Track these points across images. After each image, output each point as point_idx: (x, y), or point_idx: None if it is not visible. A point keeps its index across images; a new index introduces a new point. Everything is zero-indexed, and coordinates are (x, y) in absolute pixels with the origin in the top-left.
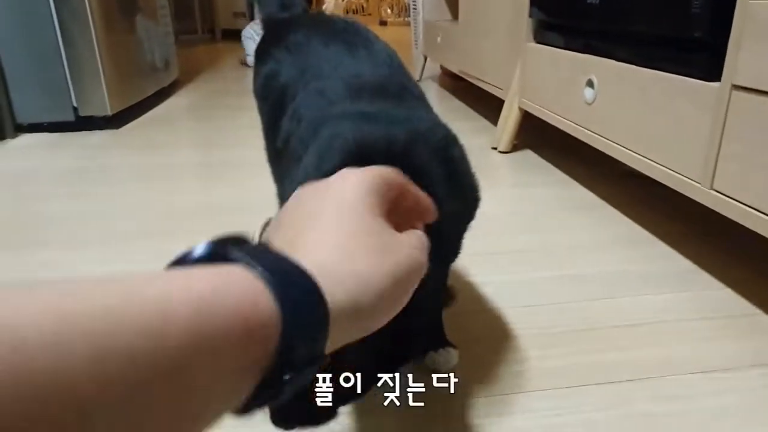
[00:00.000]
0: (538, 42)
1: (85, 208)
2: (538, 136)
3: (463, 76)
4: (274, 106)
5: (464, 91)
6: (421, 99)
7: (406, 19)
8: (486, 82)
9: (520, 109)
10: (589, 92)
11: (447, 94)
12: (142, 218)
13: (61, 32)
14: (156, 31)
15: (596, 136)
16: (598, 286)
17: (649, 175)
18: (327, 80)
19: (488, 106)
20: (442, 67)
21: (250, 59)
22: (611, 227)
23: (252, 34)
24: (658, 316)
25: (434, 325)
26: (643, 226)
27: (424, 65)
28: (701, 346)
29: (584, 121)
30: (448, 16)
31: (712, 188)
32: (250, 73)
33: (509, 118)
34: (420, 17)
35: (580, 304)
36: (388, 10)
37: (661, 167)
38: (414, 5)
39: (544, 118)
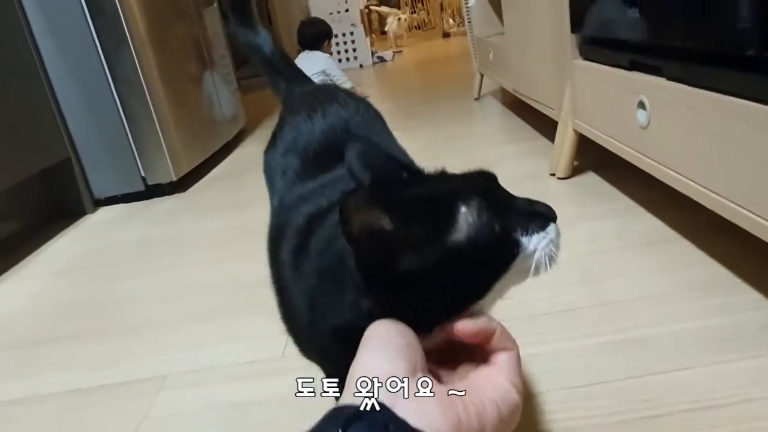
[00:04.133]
0: (586, 58)
1: (161, 286)
2: (600, 155)
3: (517, 95)
4: (272, 189)
5: (524, 107)
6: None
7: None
8: (537, 102)
9: (575, 131)
10: (642, 115)
11: (508, 111)
12: (217, 293)
13: (124, 111)
14: (219, 84)
15: (653, 162)
16: (668, 352)
17: (711, 208)
18: (286, 162)
19: (548, 122)
20: None
21: None
22: (683, 268)
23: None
24: (745, 393)
25: None
26: (723, 263)
27: (480, 83)
28: None
29: (640, 146)
30: (500, 28)
31: None
32: None
33: (564, 141)
34: (471, 30)
35: (644, 381)
36: (450, 21)
37: (724, 200)
38: (468, 18)
39: (598, 141)
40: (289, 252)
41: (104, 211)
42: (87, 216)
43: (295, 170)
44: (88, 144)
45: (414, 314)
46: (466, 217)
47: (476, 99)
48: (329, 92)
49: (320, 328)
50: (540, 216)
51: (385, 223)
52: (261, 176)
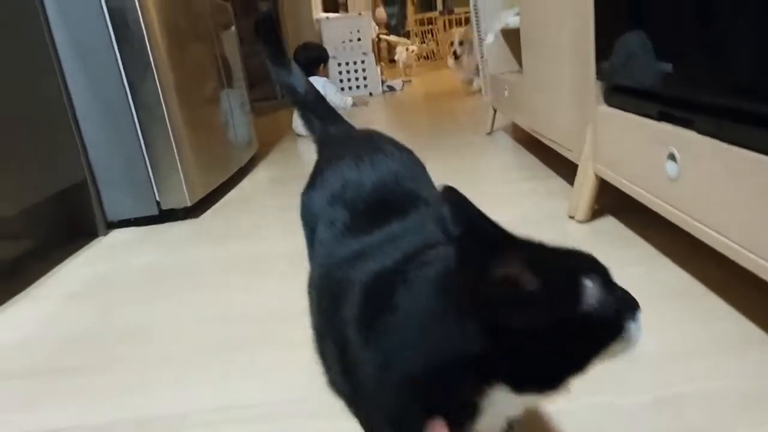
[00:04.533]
0: (610, 105)
1: (175, 315)
2: (621, 200)
3: (533, 134)
4: (311, 234)
5: (538, 144)
6: (427, 203)
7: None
8: (555, 143)
9: (596, 175)
10: (671, 167)
11: (520, 148)
12: (234, 325)
13: (143, 135)
14: (235, 107)
15: (681, 214)
16: (697, 413)
17: (742, 264)
18: (332, 212)
19: (564, 161)
20: None
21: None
22: (713, 322)
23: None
24: None
25: None
26: (754, 320)
27: (494, 118)
28: None
29: (668, 197)
30: (515, 66)
31: None
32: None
33: (584, 184)
34: (485, 67)
35: None
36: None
37: (756, 257)
38: (481, 53)
39: (622, 188)
40: (357, 310)
41: (117, 234)
42: (100, 238)
43: (345, 223)
44: (104, 166)
45: (518, 376)
46: (591, 292)
47: (488, 133)
48: (372, 138)
49: (401, 390)
50: (633, 303)
51: (530, 282)
52: (274, 202)
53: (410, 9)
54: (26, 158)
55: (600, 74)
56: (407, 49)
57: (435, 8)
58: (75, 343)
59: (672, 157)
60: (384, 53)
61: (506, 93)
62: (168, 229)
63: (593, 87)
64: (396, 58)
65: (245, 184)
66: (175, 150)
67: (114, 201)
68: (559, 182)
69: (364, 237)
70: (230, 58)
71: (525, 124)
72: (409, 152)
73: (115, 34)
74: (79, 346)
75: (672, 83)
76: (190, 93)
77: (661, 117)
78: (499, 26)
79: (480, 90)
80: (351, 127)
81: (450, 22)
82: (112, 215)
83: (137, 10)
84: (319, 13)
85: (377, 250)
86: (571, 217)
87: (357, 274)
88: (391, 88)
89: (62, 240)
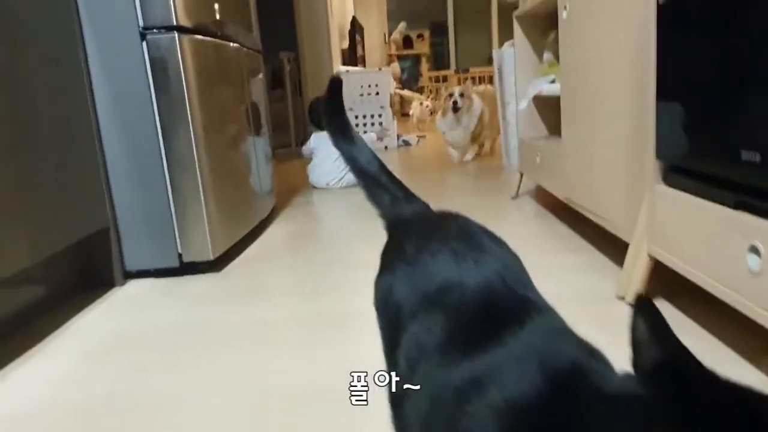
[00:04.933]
0: (670, 185)
1: (199, 384)
2: (674, 282)
3: (570, 204)
4: (390, 328)
5: (569, 212)
6: (542, 311)
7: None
8: (601, 218)
9: (650, 256)
10: (753, 260)
11: (548, 214)
12: (262, 398)
13: (171, 185)
14: (260, 155)
15: (763, 312)
16: None
17: None
18: (428, 316)
19: (601, 234)
20: None
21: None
22: None
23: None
24: None
25: None
26: None
27: (520, 182)
28: None
29: (747, 293)
30: (544, 132)
31: None
32: (344, 195)
33: (636, 265)
34: (512, 131)
35: None
36: None
37: None
38: (503, 115)
39: (686, 275)
40: None
41: (135, 285)
42: (116, 288)
43: (448, 333)
44: (128, 214)
45: None
46: None
47: (513, 197)
48: (463, 227)
49: None
50: None
51: None
52: (294, 262)
53: (424, 65)
54: (53, 203)
55: (661, 153)
56: (422, 104)
57: (448, 66)
58: (90, 415)
59: (755, 250)
60: (396, 107)
61: (538, 159)
62: (188, 284)
63: (651, 165)
64: (411, 112)
65: (265, 238)
66: (202, 201)
67: (134, 250)
68: (599, 257)
69: (478, 354)
70: (258, 105)
71: (561, 193)
72: (506, 245)
73: (153, 83)
74: (95, 418)
75: (757, 174)
76: (220, 142)
77: (739, 206)
78: (533, 92)
79: (472, 158)
80: (426, 206)
81: (464, 80)
82: (131, 265)
83: (179, 62)
84: (339, 66)
85: (505, 374)
86: (621, 298)
87: (484, 407)
88: (407, 143)
89: (78, 289)
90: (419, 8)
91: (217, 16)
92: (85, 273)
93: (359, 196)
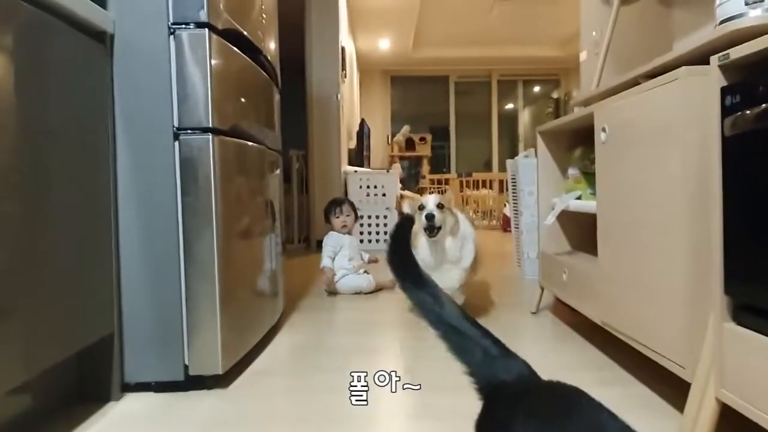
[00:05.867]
0: (741, 324)
1: None
2: (748, 429)
3: (609, 329)
4: None
5: (593, 329)
6: None
7: (490, 223)
8: (650, 349)
9: (718, 400)
10: None
11: (573, 334)
12: None
13: (186, 293)
14: (274, 258)
15: None
16: None
17: None
18: None
19: (639, 361)
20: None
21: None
22: None
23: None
24: None
25: None
26: None
27: (540, 297)
28: None
29: None
30: (566, 246)
31: None
32: (352, 303)
33: (702, 410)
34: (524, 240)
35: None
36: (472, 215)
37: None
38: (516, 224)
39: (762, 424)
40: None
41: (132, 400)
42: (111, 403)
43: None
44: (135, 321)
45: None
46: None
47: (533, 313)
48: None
49: None
50: None
51: None
52: (301, 383)
53: (426, 167)
54: (58, 310)
55: (730, 290)
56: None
57: (449, 169)
58: None
59: None
60: (398, 207)
61: (565, 277)
62: (192, 402)
63: (718, 302)
64: (403, 209)
65: (272, 349)
66: (218, 310)
67: (136, 360)
68: (642, 390)
69: None
70: (274, 201)
71: (595, 315)
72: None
73: (181, 184)
74: None
75: None
76: (240, 247)
77: None
78: (560, 208)
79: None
80: (528, 367)
81: (467, 183)
82: (130, 376)
83: (210, 164)
84: (345, 166)
85: None
86: None
87: None
88: None
89: (70, 403)
90: (421, 112)
91: (248, 119)
92: (80, 384)
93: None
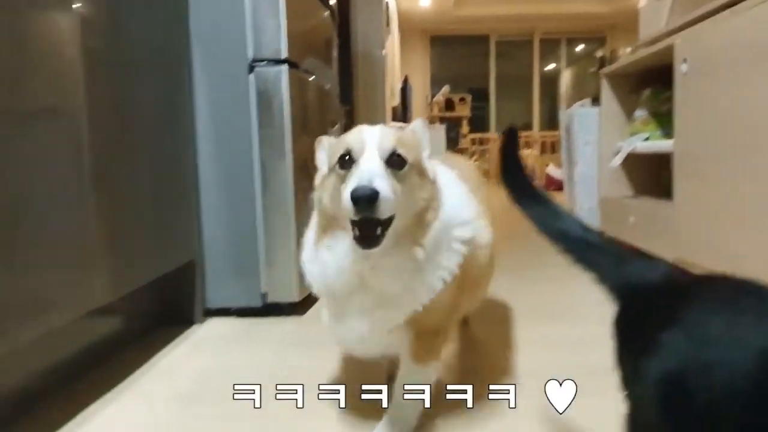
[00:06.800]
0: None
1: None
2: None
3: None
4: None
5: None
6: None
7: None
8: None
9: None
10: None
11: None
12: None
13: (264, 222)
14: None
15: None
16: None
17: None
18: None
19: None
20: None
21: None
22: None
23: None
24: None
25: None
26: None
27: None
28: None
29: None
30: (628, 191)
31: None
32: None
33: None
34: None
35: None
36: None
37: None
38: (570, 176)
39: None
40: None
41: (215, 324)
42: (196, 326)
43: None
44: (216, 249)
45: None
46: None
47: None
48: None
49: None
50: None
51: None
52: None
53: (465, 128)
54: (144, 235)
55: None
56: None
57: (488, 129)
58: None
59: None
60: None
61: (632, 219)
62: (272, 326)
63: None
64: None
65: None
66: (293, 240)
67: (216, 287)
68: None
69: None
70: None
71: (670, 252)
72: None
73: (258, 116)
74: None
75: None
76: (305, 181)
77: None
78: (627, 149)
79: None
80: (673, 265)
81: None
82: (212, 302)
83: (283, 96)
84: (390, 122)
85: None
86: None
87: None
88: None
89: (157, 325)
90: (461, 74)
91: (315, 55)
92: (165, 308)
93: None
